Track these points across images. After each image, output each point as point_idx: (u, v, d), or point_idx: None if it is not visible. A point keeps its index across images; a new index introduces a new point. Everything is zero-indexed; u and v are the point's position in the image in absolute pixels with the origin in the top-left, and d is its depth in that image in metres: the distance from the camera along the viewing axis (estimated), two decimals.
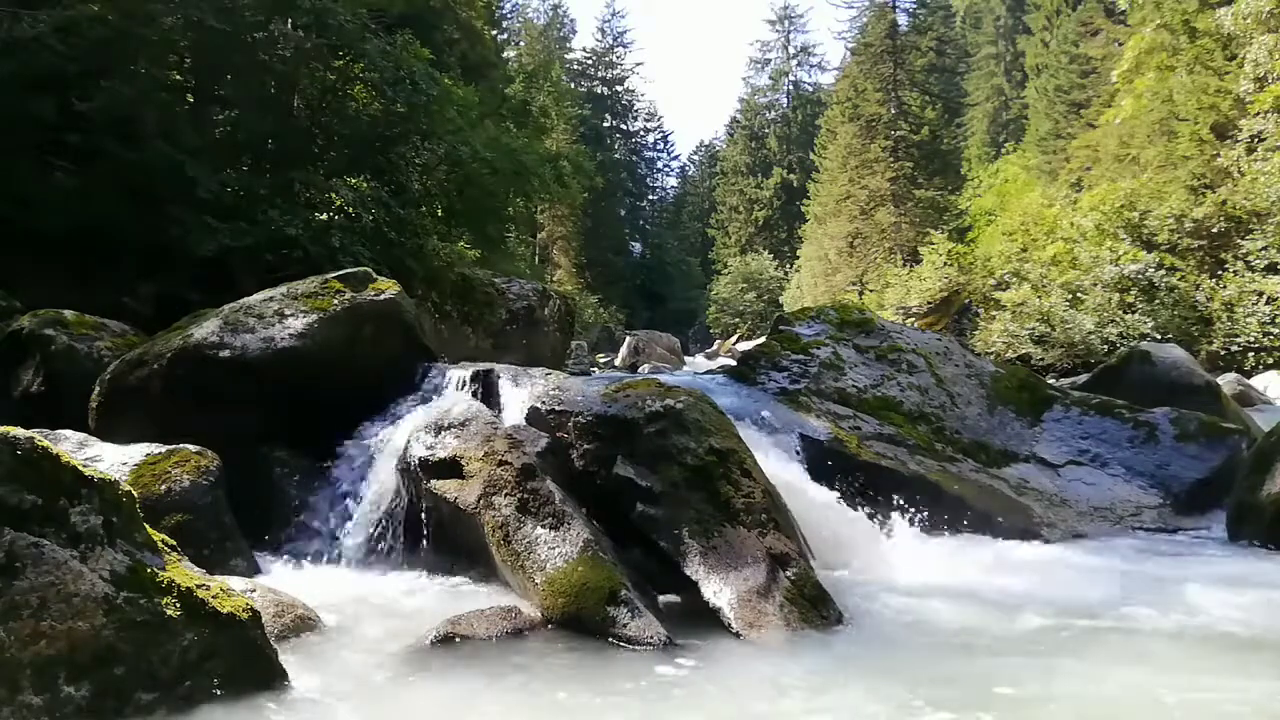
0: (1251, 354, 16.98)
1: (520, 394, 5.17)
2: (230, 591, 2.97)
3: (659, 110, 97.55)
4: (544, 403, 4.62)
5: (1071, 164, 32.37)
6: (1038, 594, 4.04)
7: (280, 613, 3.40)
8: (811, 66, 62.70)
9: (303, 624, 3.46)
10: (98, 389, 5.03)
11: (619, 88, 60.36)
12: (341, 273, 5.55)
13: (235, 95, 10.28)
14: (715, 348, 41.36)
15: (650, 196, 66.15)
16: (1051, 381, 10.07)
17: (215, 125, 10.12)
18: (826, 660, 3.27)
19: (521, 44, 47.45)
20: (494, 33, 26.01)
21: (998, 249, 23.89)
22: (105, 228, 7.90)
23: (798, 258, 45.81)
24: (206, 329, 4.98)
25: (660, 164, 67.27)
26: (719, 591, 3.64)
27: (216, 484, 4.29)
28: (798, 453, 5.22)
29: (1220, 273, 18.20)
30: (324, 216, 9.81)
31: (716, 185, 60.70)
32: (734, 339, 41.84)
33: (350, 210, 9.98)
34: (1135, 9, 24.30)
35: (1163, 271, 18.39)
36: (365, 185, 10.48)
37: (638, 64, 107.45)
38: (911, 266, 28.57)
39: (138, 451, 4.27)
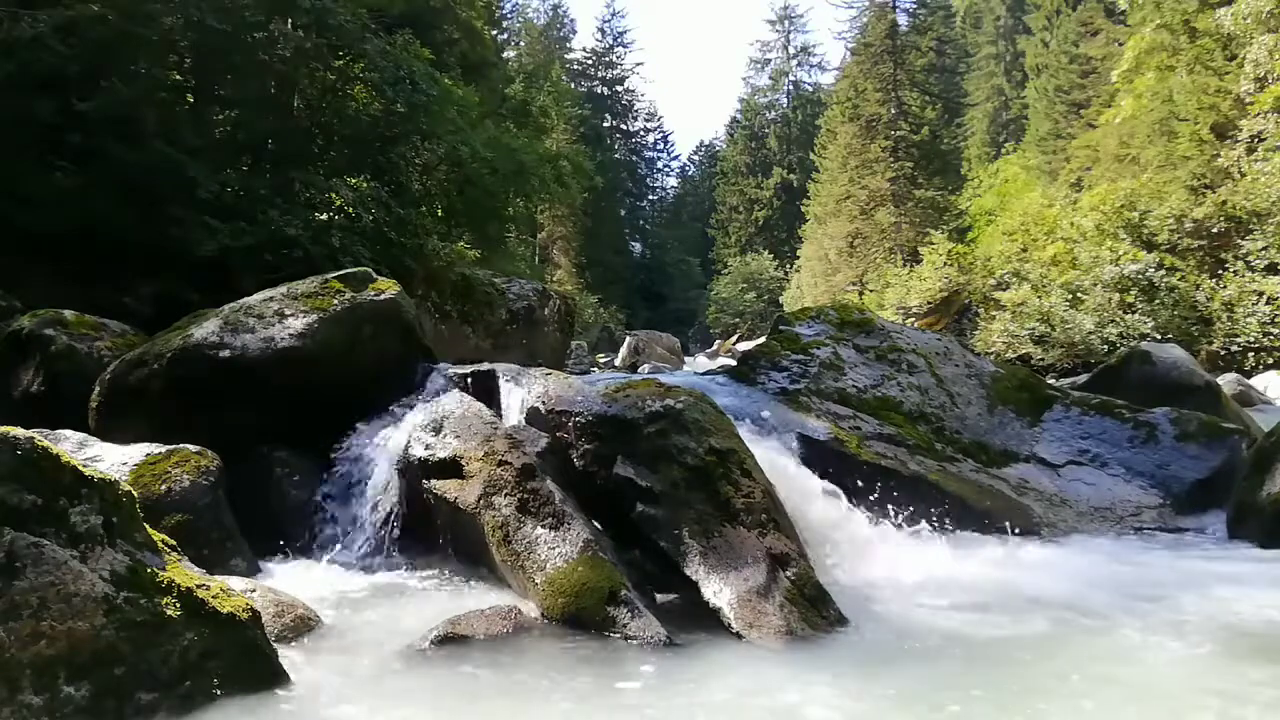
0: (1251, 354, 16.97)
1: (520, 394, 5.16)
2: (230, 591, 2.97)
3: (659, 110, 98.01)
4: (544, 403, 4.62)
5: (1071, 164, 32.42)
6: (1038, 594, 4.05)
7: (280, 613, 3.40)
8: (811, 66, 62.93)
9: (303, 624, 3.46)
10: (98, 389, 5.02)
11: (619, 88, 60.45)
12: (341, 273, 5.54)
13: (235, 95, 10.29)
14: (715, 348, 41.37)
15: (650, 196, 66.32)
16: (1051, 381, 10.06)
17: (215, 125, 10.13)
18: (827, 660, 3.27)
19: (521, 44, 47.50)
20: (494, 33, 26.01)
21: (998, 249, 23.91)
22: (105, 228, 7.90)
23: (798, 258, 45.83)
24: (206, 329, 4.97)
25: (660, 164, 67.55)
26: (719, 591, 3.64)
27: (216, 484, 4.28)
28: (797, 452, 5.21)
29: (1220, 273, 18.19)
30: (324, 216, 9.82)
31: (716, 185, 60.73)
32: (734, 339, 41.85)
33: (350, 210, 9.99)
34: (1135, 9, 24.30)
35: (1163, 271, 18.39)
36: (365, 185, 10.49)
37: (638, 64, 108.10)
38: (911, 266, 28.56)
39: (138, 451, 4.26)
